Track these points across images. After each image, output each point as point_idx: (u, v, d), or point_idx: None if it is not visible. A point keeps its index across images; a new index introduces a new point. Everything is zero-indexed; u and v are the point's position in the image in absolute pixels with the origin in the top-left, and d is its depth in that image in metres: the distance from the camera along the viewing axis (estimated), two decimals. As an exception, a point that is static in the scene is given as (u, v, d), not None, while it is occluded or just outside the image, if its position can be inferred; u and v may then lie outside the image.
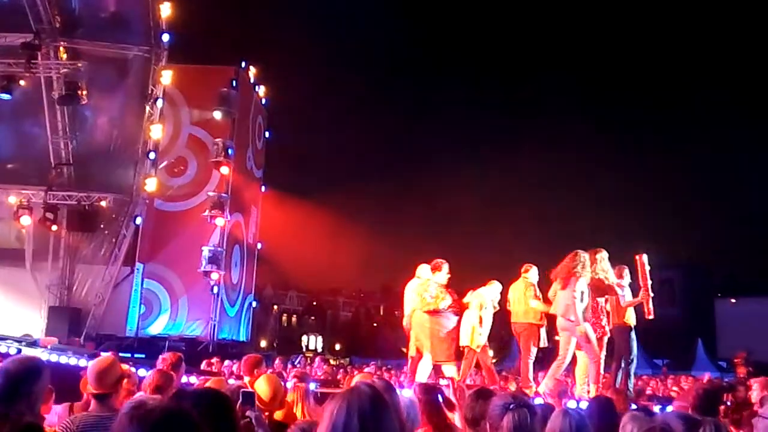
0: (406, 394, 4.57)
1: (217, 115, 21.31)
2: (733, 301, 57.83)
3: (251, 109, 24.07)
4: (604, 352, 7.99)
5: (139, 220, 18.29)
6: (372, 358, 31.10)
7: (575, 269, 7.66)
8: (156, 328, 20.45)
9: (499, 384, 9.40)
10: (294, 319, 62.31)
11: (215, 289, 20.85)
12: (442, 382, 7.51)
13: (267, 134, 26.40)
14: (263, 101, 25.36)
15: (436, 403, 3.97)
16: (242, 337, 24.54)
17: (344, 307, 66.84)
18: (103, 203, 17.85)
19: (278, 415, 4.52)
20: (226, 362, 12.23)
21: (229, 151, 21.06)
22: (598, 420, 3.98)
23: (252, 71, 23.89)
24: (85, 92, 17.08)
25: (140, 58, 18.27)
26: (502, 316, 9.56)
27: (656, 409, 6.88)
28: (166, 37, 17.98)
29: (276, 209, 26.59)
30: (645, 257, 8.46)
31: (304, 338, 61.32)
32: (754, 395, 6.20)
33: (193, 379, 7.06)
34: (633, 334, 8.25)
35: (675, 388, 14.95)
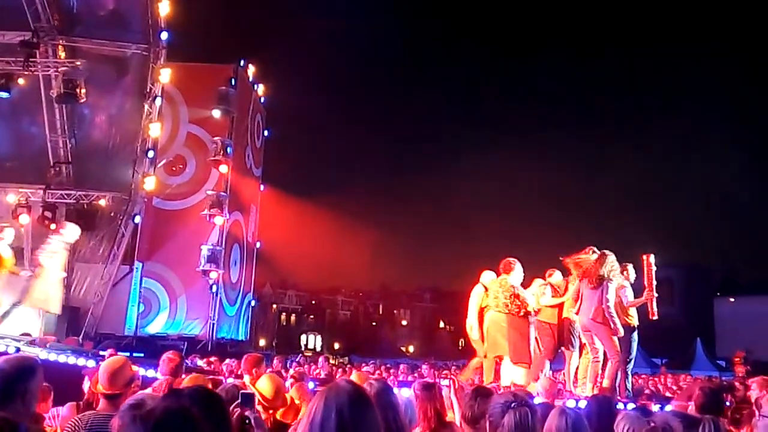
0: (405, 394, 4.56)
1: (216, 113, 21.29)
2: (732, 300, 57.92)
3: (250, 107, 24.06)
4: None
5: (137, 219, 18.26)
6: (371, 357, 31.08)
7: (608, 273, 7.71)
8: (155, 327, 20.44)
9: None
10: (293, 318, 62.30)
11: (214, 288, 20.84)
12: (443, 381, 7.48)
13: (266, 133, 26.40)
14: (262, 100, 25.35)
15: (434, 400, 3.96)
16: (241, 336, 24.54)
17: (343, 306, 66.82)
18: (102, 202, 17.83)
19: (280, 414, 4.53)
20: (227, 360, 12.24)
21: (228, 149, 21.05)
22: (596, 419, 3.97)
23: (251, 70, 23.88)
24: (83, 90, 17.03)
25: (139, 57, 18.23)
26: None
27: (655, 408, 6.88)
28: (164, 36, 17.93)
29: (275, 208, 26.59)
30: (652, 257, 8.45)
31: (303, 337, 61.34)
32: (754, 395, 6.19)
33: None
34: (635, 335, 8.24)
35: (674, 387, 14.95)
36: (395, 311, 68.18)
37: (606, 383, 7.60)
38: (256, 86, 24.52)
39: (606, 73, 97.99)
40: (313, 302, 64.34)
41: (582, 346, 8.50)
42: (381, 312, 67.44)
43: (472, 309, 9.14)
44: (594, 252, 8.12)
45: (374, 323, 64.99)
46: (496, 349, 8.52)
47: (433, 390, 4.09)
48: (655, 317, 8.27)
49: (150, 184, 18.05)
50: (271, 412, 4.52)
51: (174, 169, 21.48)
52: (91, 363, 6.65)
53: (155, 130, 18.08)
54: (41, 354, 7.24)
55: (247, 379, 6.19)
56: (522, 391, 4.81)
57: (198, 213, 20.90)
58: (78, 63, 17.18)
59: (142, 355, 10.42)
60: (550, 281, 8.98)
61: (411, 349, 59.93)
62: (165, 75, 18.09)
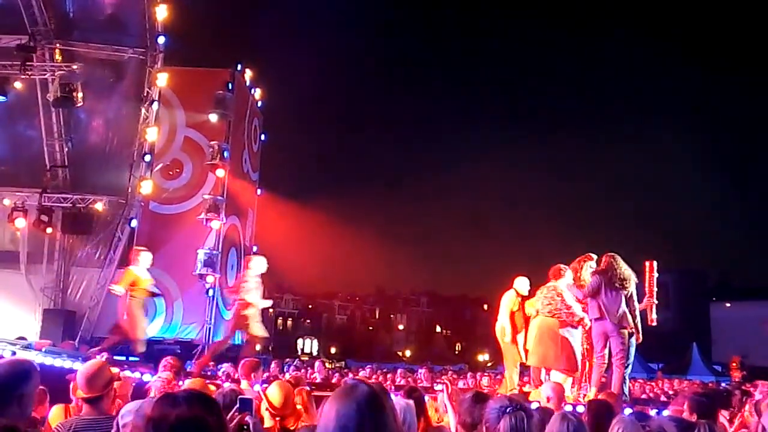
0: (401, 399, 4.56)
1: (213, 117, 21.26)
2: (728, 305, 58.04)
3: (247, 111, 24.03)
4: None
5: (134, 223, 18.21)
6: (367, 362, 31.05)
7: (623, 275, 7.76)
8: (151, 331, 20.26)
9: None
10: (289, 322, 62.26)
11: (210, 292, 20.78)
12: (437, 386, 7.46)
13: (263, 137, 26.35)
14: (259, 104, 25.32)
15: (420, 405, 3.99)
16: (237, 341, 24.41)
17: (340, 311, 66.79)
18: (98, 206, 17.78)
19: (291, 423, 4.53)
20: (224, 365, 12.20)
21: (225, 153, 21.01)
22: (595, 423, 3.98)
23: (248, 74, 23.85)
24: (80, 94, 17.01)
25: (136, 61, 18.19)
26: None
27: (652, 412, 6.89)
28: (161, 40, 17.91)
29: (272, 212, 26.54)
30: (655, 264, 8.49)
31: (300, 341, 61.26)
32: (758, 396, 6.22)
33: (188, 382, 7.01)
34: (633, 340, 8.27)
35: (671, 392, 14.96)
36: (392, 315, 68.15)
37: (615, 389, 7.62)
38: (253, 90, 24.50)
39: (606, 74, 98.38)
40: (310, 306, 64.32)
41: (584, 352, 8.50)
42: (377, 316, 67.41)
43: (504, 313, 9.18)
44: (591, 259, 8.15)
45: (371, 327, 65.03)
46: (544, 361, 8.49)
47: (417, 395, 4.11)
48: (654, 323, 8.32)
49: (146, 188, 18.01)
50: (278, 419, 4.52)
51: (171, 173, 21.43)
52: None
53: (152, 135, 18.05)
54: (37, 358, 7.22)
55: (244, 383, 6.19)
56: (520, 396, 4.81)
57: (194, 217, 20.84)
58: (75, 67, 17.16)
59: (137, 359, 10.37)
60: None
61: (407, 353, 59.93)
62: (162, 79, 18.07)
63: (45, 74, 17.33)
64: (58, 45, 17.54)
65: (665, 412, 6.21)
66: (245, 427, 3.25)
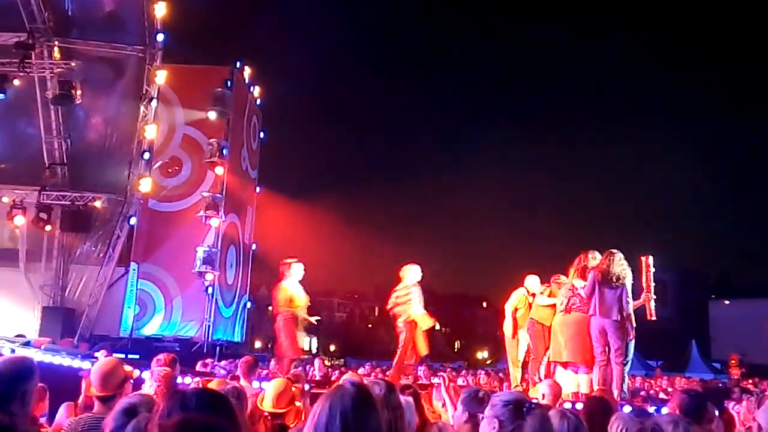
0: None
1: (212, 115, 21.23)
2: (727, 302, 58.11)
3: (246, 109, 24.01)
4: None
5: (133, 221, 18.20)
6: (367, 360, 31.05)
7: (621, 272, 7.78)
8: (150, 329, 20.36)
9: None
10: (288, 320, 62.15)
11: (210, 290, 20.78)
12: (435, 380, 7.48)
13: (262, 135, 26.33)
14: (258, 102, 25.30)
15: (416, 402, 4.01)
16: (237, 338, 24.46)
17: (339, 309, 66.79)
18: (97, 203, 17.78)
19: (290, 420, 4.54)
20: (223, 362, 12.22)
21: (224, 151, 21.01)
22: (592, 420, 3.98)
23: (247, 71, 23.83)
24: (79, 92, 17.00)
25: (135, 58, 18.17)
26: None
27: (651, 410, 6.90)
28: (160, 37, 17.89)
29: (271, 210, 26.53)
30: (651, 259, 8.48)
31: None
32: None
33: (188, 380, 7.02)
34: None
35: (669, 389, 14.99)
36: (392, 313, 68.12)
37: (614, 386, 7.64)
38: (252, 88, 24.47)
39: (606, 74, 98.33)
40: (309, 304, 64.26)
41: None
42: (377, 314, 67.38)
43: (508, 310, 9.36)
44: (594, 258, 8.15)
45: (370, 325, 65.01)
46: (557, 355, 8.42)
47: (411, 392, 4.14)
48: (654, 318, 8.32)
49: (146, 185, 17.99)
50: (277, 415, 4.53)
51: (170, 170, 21.41)
52: (86, 364, 6.65)
53: (151, 132, 18.04)
54: (36, 355, 7.22)
55: (243, 382, 6.20)
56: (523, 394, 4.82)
57: (194, 215, 20.83)
58: (74, 64, 17.15)
59: (137, 356, 10.37)
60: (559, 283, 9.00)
61: (407, 351, 59.79)
62: (161, 77, 18.05)
63: (44, 72, 17.31)
64: (56, 42, 17.52)
65: (664, 410, 6.22)
66: None
